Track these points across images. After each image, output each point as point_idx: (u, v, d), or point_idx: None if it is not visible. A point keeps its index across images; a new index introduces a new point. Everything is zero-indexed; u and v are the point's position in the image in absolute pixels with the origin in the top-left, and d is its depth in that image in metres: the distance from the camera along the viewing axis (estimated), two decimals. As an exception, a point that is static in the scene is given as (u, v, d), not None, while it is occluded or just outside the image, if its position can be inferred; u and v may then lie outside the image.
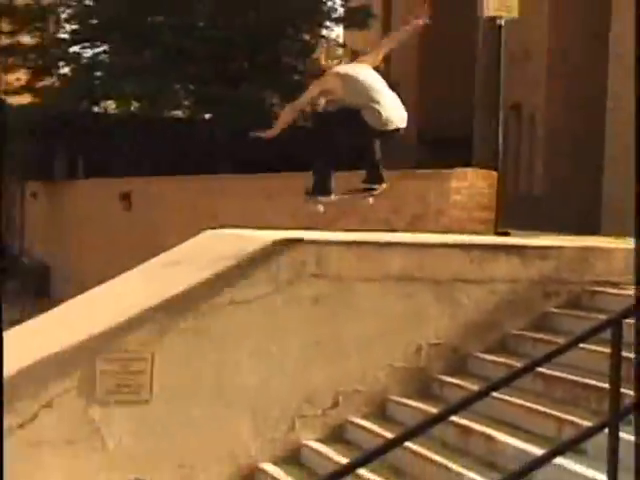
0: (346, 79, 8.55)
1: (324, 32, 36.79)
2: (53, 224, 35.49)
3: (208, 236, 9.69)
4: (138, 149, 32.34)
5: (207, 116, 36.59)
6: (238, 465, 7.77)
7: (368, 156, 8.78)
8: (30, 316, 10.08)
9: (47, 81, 37.38)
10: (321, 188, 8.71)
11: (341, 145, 8.82)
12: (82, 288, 9.77)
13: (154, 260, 9.42)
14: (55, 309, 9.38)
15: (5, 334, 9.51)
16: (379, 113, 8.41)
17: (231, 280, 7.90)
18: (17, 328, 9.58)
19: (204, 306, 7.75)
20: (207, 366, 7.73)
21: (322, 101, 8.80)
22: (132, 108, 38.91)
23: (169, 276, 8.08)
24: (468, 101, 24.14)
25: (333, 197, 8.72)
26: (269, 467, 7.79)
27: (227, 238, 9.32)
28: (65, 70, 37.85)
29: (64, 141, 33.41)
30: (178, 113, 38.57)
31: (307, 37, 35.75)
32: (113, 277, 9.31)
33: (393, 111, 8.50)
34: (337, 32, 39.57)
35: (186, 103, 37.16)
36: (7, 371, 7.39)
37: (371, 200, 8.78)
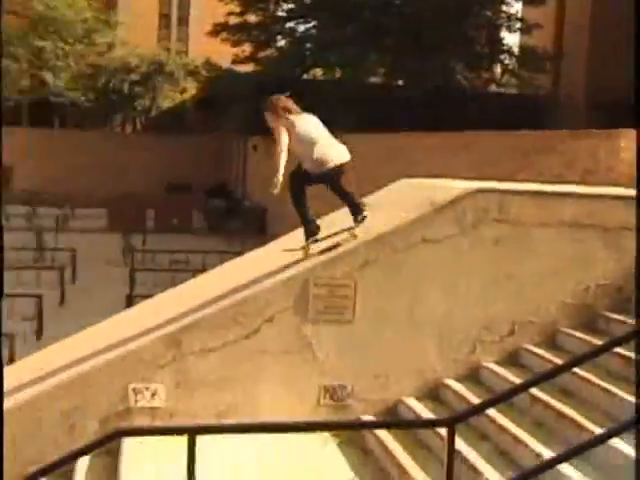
0: (291, 130, 8.12)
1: (504, 8, 36.05)
2: (269, 172, 36.17)
3: (404, 184, 9.71)
4: (341, 109, 32.56)
5: (400, 82, 36.50)
6: (425, 379, 7.82)
7: (339, 196, 8.27)
8: (250, 249, 10.39)
9: (267, 52, 38.10)
10: (311, 233, 8.24)
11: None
12: (292, 227, 9.98)
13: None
14: (272, 243, 9.63)
15: (233, 262, 9.87)
16: (316, 158, 8.01)
17: (424, 222, 7.89)
18: (244, 256, 9.92)
19: (400, 243, 7.78)
20: (401, 295, 7.78)
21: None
22: (336, 75, 39.18)
23: (370, 217, 8.13)
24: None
25: (319, 237, 8.24)
26: (452, 383, 7.81)
27: (421, 186, 9.31)
28: (281, 43, 38.49)
29: (279, 102, 33.92)
30: (375, 80, 38.61)
31: (489, 13, 35.15)
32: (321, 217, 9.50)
33: (330, 149, 8.05)
34: (516, 8, 38.72)
35: (382, 71, 37.16)
36: (236, 292, 7.67)
37: (357, 231, 8.04)
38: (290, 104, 8.41)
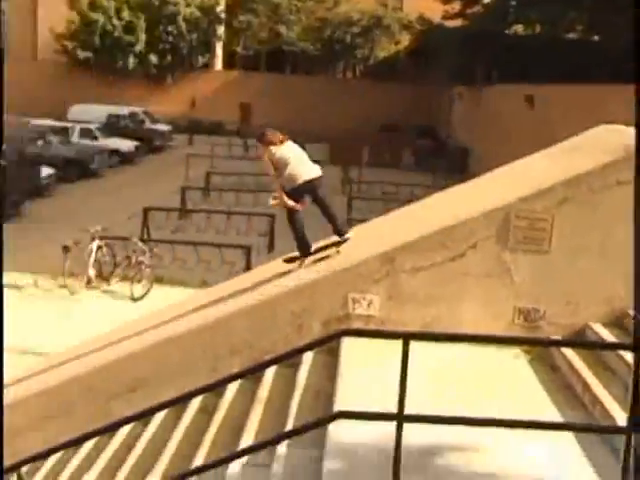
0: (272, 158, 8.67)
1: None
2: (472, 117, 35.51)
3: (600, 130, 9.24)
4: (539, 63, 31.41)
5: (596, 38, 34.73)
6: (612, 307, 7.50)
7: (321, 209, 8.77)
8: (453, 184, 10.23)
9: (474, 9, 37.14)
10: (305, 250, 8.68)
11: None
12: (491, 167, 9.77)
13: (554, 147, 9.18)
14: (473, 180, 9.46)
15: (438, 195, 9.79)
16: (288, 175, 8.55)
17: (618, 165, 7.49)
18: (448, 190, 9.81)
19: (596, 184, 7.43)
20: (594, 231, 7.45)
21: None
22: (535, 31, 37.78)
23: (568, 159, 7.81)
24: None
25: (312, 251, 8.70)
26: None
27: (617, 132, 8.83)
28: (487, 0, 37.35)
29: (483, 55, 33.13)
30: (573, 36, 36.92)
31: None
32: (516, 159, 9.26)
33: (299, 168, 8.58)
34: None
35: (580, 28, 35.45)
36: (444, 221, 7.61)
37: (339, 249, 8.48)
38: (274, 138, 8.88)
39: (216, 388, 6.43)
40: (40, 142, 29.07)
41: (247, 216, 18.58)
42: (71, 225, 18.88)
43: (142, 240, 15.68)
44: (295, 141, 9.11)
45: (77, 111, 39.79)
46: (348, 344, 6.94)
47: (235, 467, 5.60)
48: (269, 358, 6.45)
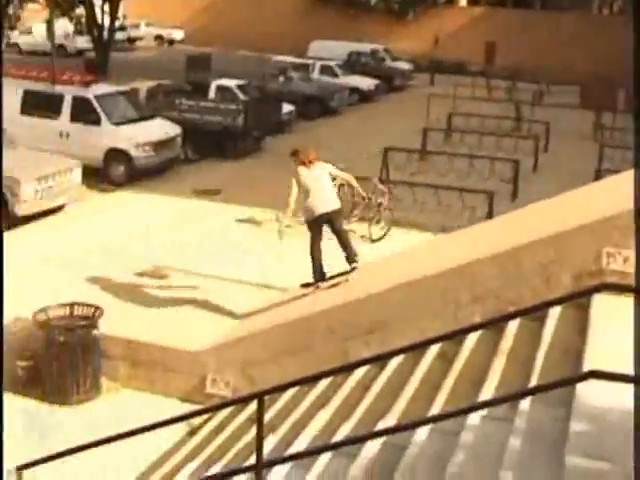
0: (297, 178, 9.77)
1: None
2: None
3: None
4: None
5: None
6: None
7: (337, 239, 9.89)
8: None
9: None
10: (319, 277, 9.88)
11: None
12: None
13: None
14: None
15: None
16: (307, 206, 9.71)
17: None
18: None
19: None
20: None
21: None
22: None
23: None
24: None
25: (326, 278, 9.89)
26: None
27: None
28: None
29: None
30: None
31: None
32: None
33: (318, 200, 9.66)
34: None
35: None
36: None
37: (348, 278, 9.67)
38: (305, 158, 9.81)
39: (457, 336, 6.46)
40: (281, 79, 30.14)
41: (490, 160, 18.28)
42: (310, 163, 19.49)
43: (381, 181, 15.89)
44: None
45: (317, 47, 40.74)
46: (599, 300, 6.71)
47: (474, 418, 5.63)
48: (514, 310, 6.39)
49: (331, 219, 9.75)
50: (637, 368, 4.64)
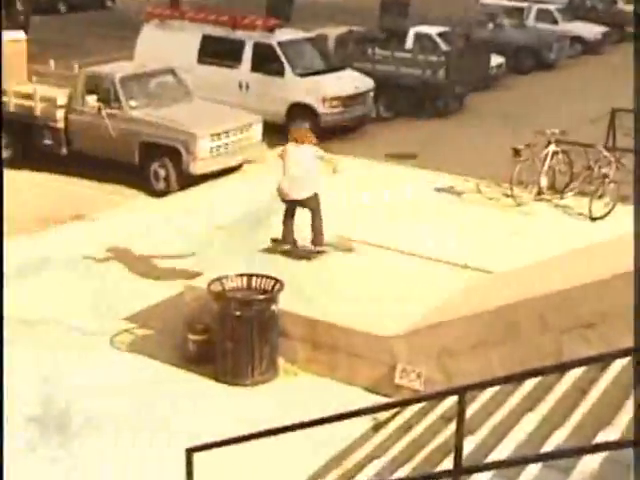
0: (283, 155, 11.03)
1: None
2: None
3: None
4: None
5: None
6: None
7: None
8: None
9: None
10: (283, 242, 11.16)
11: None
12: None
13: None
14: None
15: None
16: (280, 187, 10.97)
17: None
18: None
19: None
20: None
21: None
22: None
23: None
24: None
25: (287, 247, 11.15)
26: None
27: None
28: None
29: None
30: None
31: None
32: None
33: (293, 184, 10.81)
34: None
35: None
36: None
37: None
38: (297, 135, 11.02)
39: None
40: (490, 26, 29.68)
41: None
42: (521, 125, 19.14)
43: (607, 148, 15.39)
44: None
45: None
46: None
47: None
48: None
49: (302, 205, 10.99)
50: None
